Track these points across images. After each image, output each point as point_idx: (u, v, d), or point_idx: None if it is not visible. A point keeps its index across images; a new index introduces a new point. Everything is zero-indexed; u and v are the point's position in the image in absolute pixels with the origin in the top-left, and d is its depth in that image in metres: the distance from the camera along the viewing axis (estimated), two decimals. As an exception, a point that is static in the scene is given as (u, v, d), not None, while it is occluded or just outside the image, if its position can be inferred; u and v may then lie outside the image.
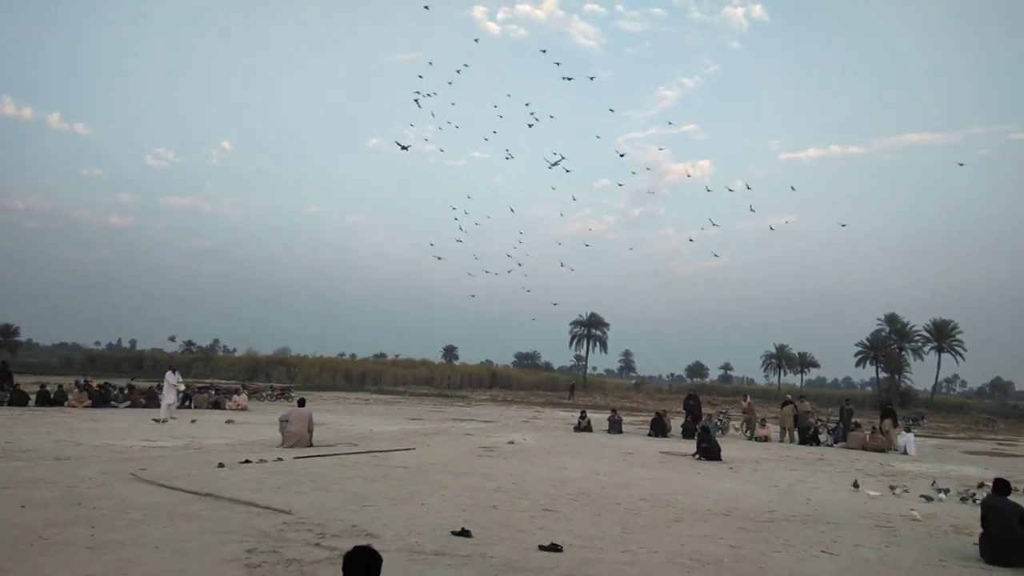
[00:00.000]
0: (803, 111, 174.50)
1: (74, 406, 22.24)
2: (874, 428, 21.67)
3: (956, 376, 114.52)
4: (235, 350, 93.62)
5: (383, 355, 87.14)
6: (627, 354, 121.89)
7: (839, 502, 10.69)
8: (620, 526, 8.07)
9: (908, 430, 21.86)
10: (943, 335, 71.20)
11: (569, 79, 23.21)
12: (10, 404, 21.66)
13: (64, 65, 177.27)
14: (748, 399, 26.87)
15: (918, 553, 7.46)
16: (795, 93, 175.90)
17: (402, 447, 15.12)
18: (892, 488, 12.26)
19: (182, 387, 22.33)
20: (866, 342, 74.81)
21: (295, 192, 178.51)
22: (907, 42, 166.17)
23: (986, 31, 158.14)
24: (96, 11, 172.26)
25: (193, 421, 19.24)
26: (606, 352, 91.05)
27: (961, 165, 41.44)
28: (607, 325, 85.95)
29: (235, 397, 26.81)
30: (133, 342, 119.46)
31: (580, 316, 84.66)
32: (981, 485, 12.74)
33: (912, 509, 10.01)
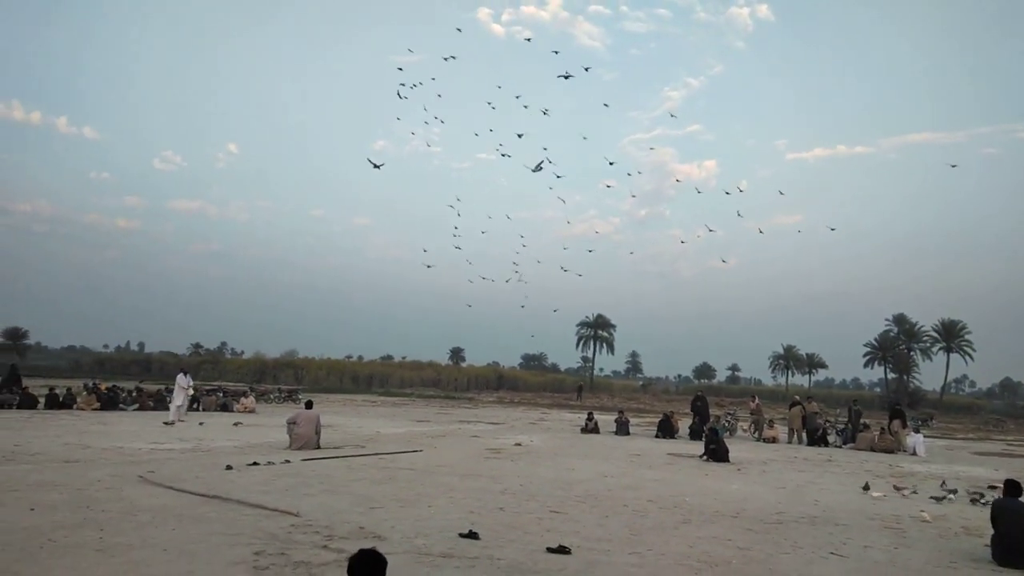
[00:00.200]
0: (809, 111, 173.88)
1: (83, 409, 22.33)
2: (883, 429, 21.57)
3: (965, 377, 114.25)
4: (243, 352, 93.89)
5: (390, 357, 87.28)
6: (634, 355, 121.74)
7: (848, 503, 10.64)
8: (628, 528, 8.05)
9: (917, 431, 21.79)
10: (952, 335, 70.86)
11: (566, 77, 22.92)
12: (19, 407, 21.77)
13: (72, 69, 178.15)
14: (756, 400, 26.81)
15: (928, 555, 7.42)
16: (801, 93, 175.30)
17: (409, 449, 15.13)
18: (898, 489, 12.20)
19: (191, 391, 22.39)
20: (874, 342, 74.54)
21: (301, 195, 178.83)
22: (912, 41, 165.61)
23: (991, 30, 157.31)
24: (103, 15, 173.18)
25: (201, 423, 19.30)
26: (613, 353, 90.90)
27: (953, 167, 41.39)
28: (614, 326, 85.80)
29: (243, 399, 26.89)
30: (141, 345, 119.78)
31: (587, 317, 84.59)
32: (992, 487, 12.66)
33: (922, 511, 9.96)
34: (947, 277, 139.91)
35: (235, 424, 19.93)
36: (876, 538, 8.16)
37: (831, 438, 22.53)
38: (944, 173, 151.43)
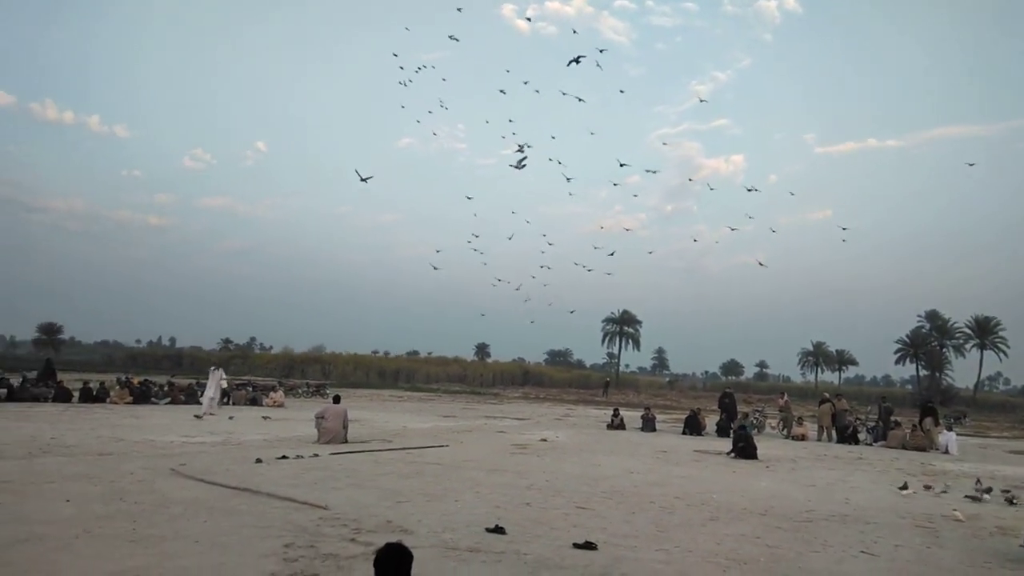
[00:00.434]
0: (838, 104, 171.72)
1: (116, 402, 22.73)
2: (914, 426, 21.24)
3: (999, 374, 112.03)
4: (271, 347, 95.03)
5: (416, 353, 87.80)
6: (660, 352, 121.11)
7: (879, 502, 10.49)
8: (654, 524, 8.02)
9: (950, 429, 21.40)
10: (986, 332, 69.53)
11: (577, 61, 22.24)
12: (54, 400, 22.19)
13: (104, 69, 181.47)
14: (785, 397, 26.51)
15: (961, 555, 7.29)
16: (830, 86, 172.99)
17: (435, 444, 15.20)
18: (927, 488, 12.00)
19: (224, 383, 22.69)
20: (906, 339, 73.43)
21: (328, 192, 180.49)
22: (947, 32, 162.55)
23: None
24: (135, 17, 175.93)
25: (231, 417, 19.55)
26: (639, 350, 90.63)
27: (971, 165, 40.05)
28: (640, 322, 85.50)
29: (272, 394, 27.21)
30: (172, 340, 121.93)
31: (612, 314, 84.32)
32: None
33: (955, 509, 9.78)
34: (981, 273, 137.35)
35: (264, 418, 20.17)
36: (908, 537, 8.04)
37: (861, 436, 22.24)
38: (978, 167, 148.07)
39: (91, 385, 23.91)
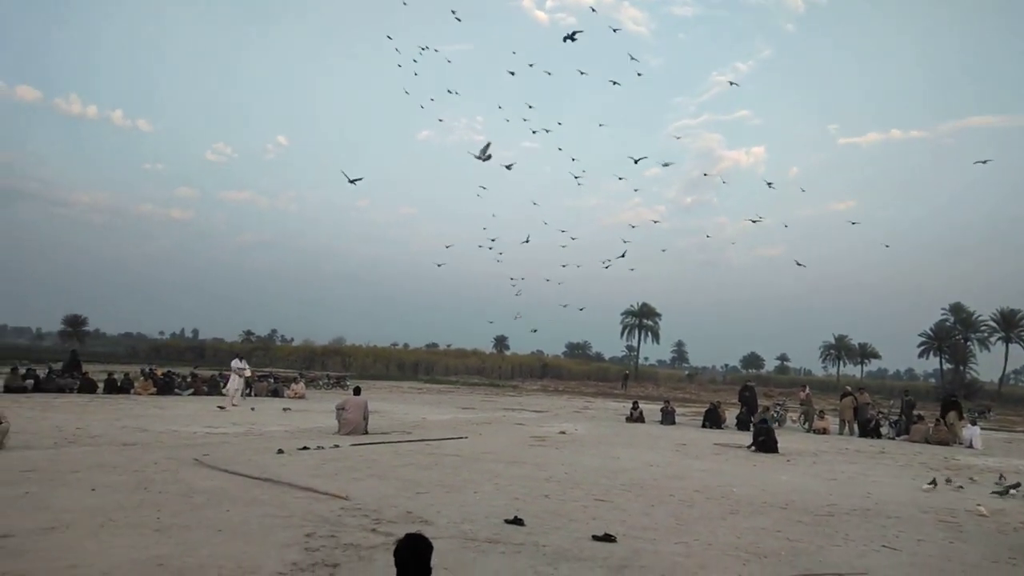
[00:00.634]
0: (862, 94, 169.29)
1: (140, 393, 23.02)
2: (938, 420, 21.00)
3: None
4: (292, 340, 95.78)
5: (435, 345, 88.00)
6: (679, 344, 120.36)
7: (901, 496, 10.39)
8: (674, 517, 8.00)
9: (974, 423, 21.12)
10: (1011, 325, 68.39)
11: (572, 38, 20.63)
12: (79, 391, 22.51)
13: (127, 63, 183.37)
14: (806, 390, 26.30)
15: (985, 550, 7.21)
16: (853, 76, 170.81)
17: (455, 436, 15.26)
18: (948, 481, 11.87)
19: (247, 373, 22.90)
20: (930, 332, 72.51)
21: (348, 185, 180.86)
22: (972, 20, 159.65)
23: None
24: (156, 12, 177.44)
25: (252, 408, 19.73)
26: (658, 343, 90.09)
27: (984, 162, 38.83)
28: (659, 315, 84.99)
29: (293, 385, 27.41)
30: (195, 332, 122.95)
31: (631, 306, 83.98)
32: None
33: (979, 504, 9.66)
34: (1007, 265, 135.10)
35: (284, 409, 20.34)
36: (930, 532, 7.96)
37: (884, 429, 22.03)
38: (1004, 158, 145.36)
39: (115, 376, 24.21)
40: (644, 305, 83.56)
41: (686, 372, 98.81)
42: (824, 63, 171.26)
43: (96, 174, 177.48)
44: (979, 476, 13.06)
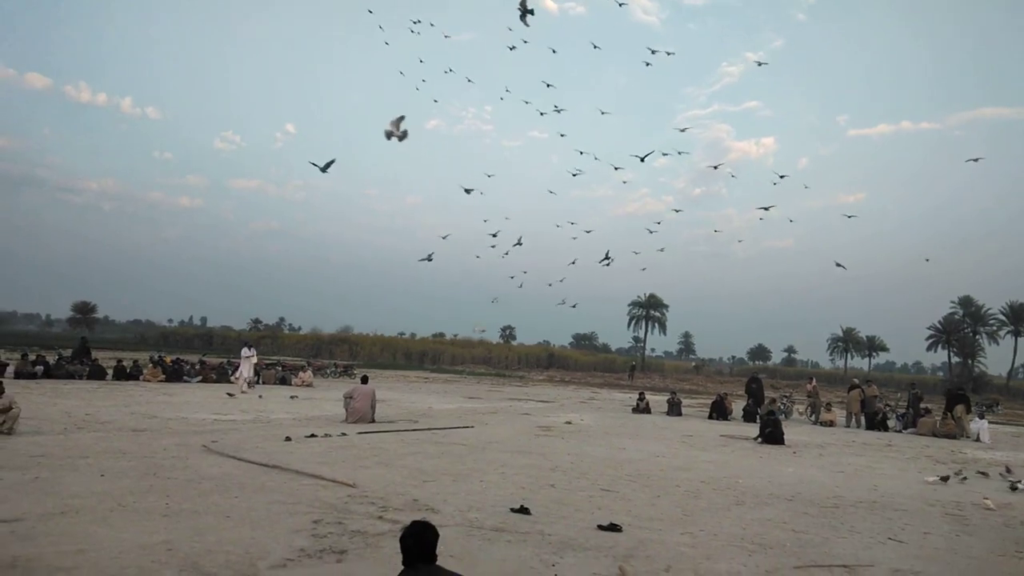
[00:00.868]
0: (872, 86, 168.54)
1: (148, 380, 23.14)
2: (945, 414, 20.92)
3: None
4: (300, 328, 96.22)
5: (442, 335, 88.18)
6: (686, 336, 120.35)
7: (907, 489, 10.37)
8: (680, 508, 8.02)
9: (982, 416, 21.04)
10: (1020, 318, 68.06)
11: (531, 12, 18.23)
12: (89, 378, 22.65)
13: (135, 51, 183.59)
14: (813, 382, 26.25)
15: (991, 543, 7.19)
16: (864, 67, 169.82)
17: (461, 425, 15.30)
18: (957, 474, 11.83)
19: (254, 360, 23.04)
20: (938, 325, 72.24)
21: (356, 174, 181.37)
22: (983, 12, 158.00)
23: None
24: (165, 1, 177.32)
25: (260, 396, 19.83)
26: (665, 334, 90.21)
27: (975, 160, 38.34)
28: (666, 306, 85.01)
29: (301, 374, 27.52)
30: (203, 319, 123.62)
31: (638, 297, 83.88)
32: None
33: (986, 498, 9.63)
34: (1018, 257, 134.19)
35: (292, 397, 20.43)
36: (936, 525, 7.95)
37: (891, 422, 21.97)
38: (1014, 150, 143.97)
39: (124, 363, 24.35)
40: (651, 296, 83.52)
41: (693, 363, 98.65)
42: (834, 54, 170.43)
43: (105, 161, 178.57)
44: (987, 469, 13.01)
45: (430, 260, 15.73)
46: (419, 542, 3.31)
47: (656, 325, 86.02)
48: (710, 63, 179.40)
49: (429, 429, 14.16)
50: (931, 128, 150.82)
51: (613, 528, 6.63)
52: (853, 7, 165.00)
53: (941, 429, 20.03)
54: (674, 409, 22.63)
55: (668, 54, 26.01)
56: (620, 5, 27.51)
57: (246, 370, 20.96)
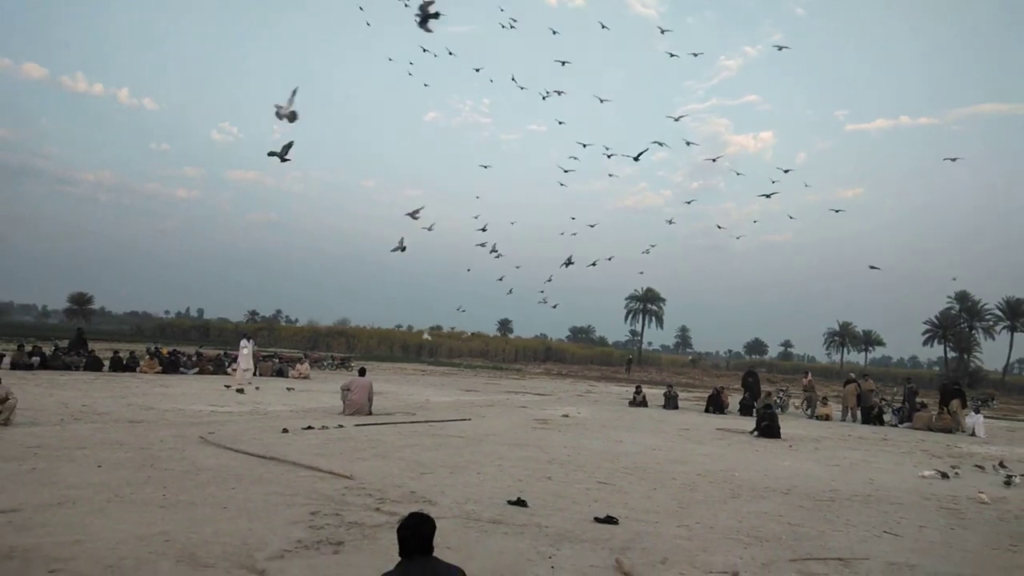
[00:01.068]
0: (871, 81, 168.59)
1: (145, 372, 23.11)
2: (941, 408, 21.00)
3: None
4: (297, 320, 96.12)
5: (439, 327, 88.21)
6: (683, 330, 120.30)
7: (903, 483, 10.42)
8: (676, 501, 8.04)
9: (977, 411, 21.12)
10: (1017, 314, 68.30)
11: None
12: (86, 369, 22.61)
13: (132, 42, 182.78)
14: (808, 376, 26.35)
15: (986, 537, 7.23)
16: (863, 61, 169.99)
17: (458, 417, 15.32)
18: (954, 469, 11.87)
19: (245, 351, 23.06)
20: (935, 320, 72.36)
21: (353, 166, 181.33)
22: (982, 7, 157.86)
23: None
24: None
25: (257, 388, 19.82)
26: (662, 328, 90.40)
27: (953, 160, 38.24)
28: (663, 300, 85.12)
29: (298, 366, 27.49)
30: (200, 311, 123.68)
31: (635, 291, 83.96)
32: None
33: (981, 492, 9.68)
34: (1015, 253, 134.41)
35: (288, 389, 20.43)
36: (932, 518, 7.99)
37: (887, 417, 22.05)
38: (1012, 146, 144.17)
39: (121, 355, 24.32)
40: (648, 290, 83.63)
41: (689, 357, 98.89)
42: (833, 48, 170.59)
43: (102, 152, 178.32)
44: (983, 464, 13.06)
45: (403, 250, 15.39)
46: (416, 534, 3.32)
47: (653, 319, 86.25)
48: (708, 57, 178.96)
49: (426, 421, 14.18)
50: (929, 123, 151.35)
51: (610, 520, 6.65)
52: (852, 2, 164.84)
53: (937, 423, 20.12)
54: (671, 402, 22.68)
55: (671, 55, 25.74)
56: None
57: (244, 362, 20.97)
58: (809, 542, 6.46)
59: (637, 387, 24.68)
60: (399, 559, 3.32)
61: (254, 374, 24.19)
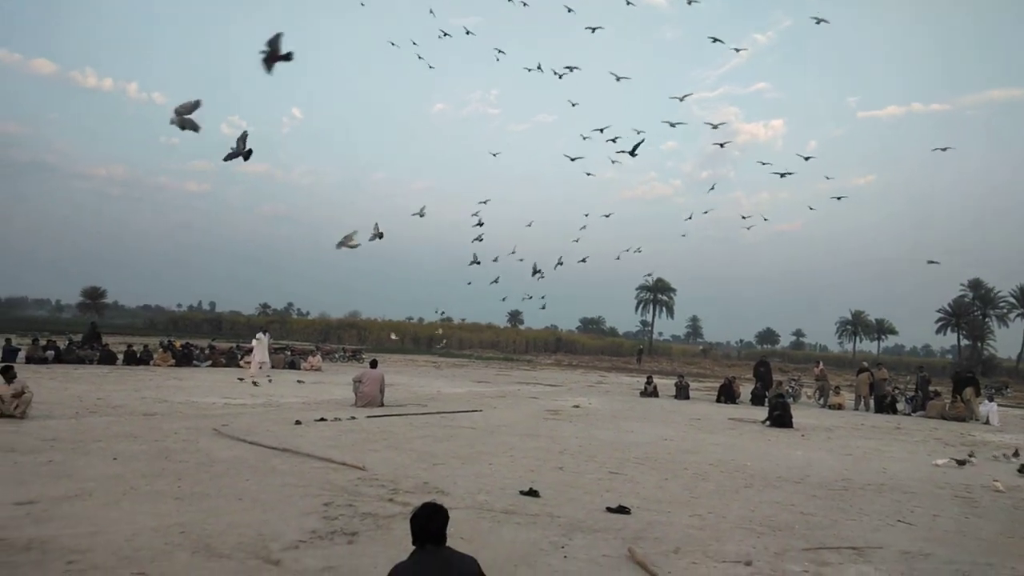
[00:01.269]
0: (883, 67, 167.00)
1: (159, 365, 23.28)
2: (955, 396, 20.88)
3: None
4: (308, 313, 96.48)
5: (449, 319, 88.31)
6: (694, 320, 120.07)
7: (916, 472, 10.36)
8: (688, 490, 8.04)
9: (991, 399, 20.99)
10: (1031, 301, 67.74)
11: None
12: (100, 363, 22.78)
13: (141, 36, 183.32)
14: (820, 365, 26.24)
15: (1001, 525, 7.20)
16: (874, 48, 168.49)
17: (469, 408, 15.35)
18: (971, 456, 11.79)
19: (252, 344, 23.20)
20: (948, 308, 71.90)
21: (363, 158, 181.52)
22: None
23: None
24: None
25: (270, 380, 19.91)
26: (672, 318, 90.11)
27: (944, 150, 37.18)
28: (674, 290, 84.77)
29: (310, 358, 27.60)
30: (212, 304, 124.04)
31: (646, 281, 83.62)
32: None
33: (995, 480, 9.62)
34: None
35: (298, 381, 20.50)
36: (946, 507, 7.95)
37: (900, 405, 21.94)
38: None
39: (135, 348, 24.51)
40: (659, 280, 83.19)
41: (700, 347, 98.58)
42: (844, 35, 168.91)
43: (113, 147, 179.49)
44: (996, 452, 12.99)
45: (381, 237, 15.27)
46: (429, 523, 3.33)
47: (664, 309, 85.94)
48: (718, 44, 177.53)
49: (438, 413, 14.22)
50: (942, 109, 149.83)
51: (622, 510, 6.66)
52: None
53: (950, 412, 20.00)
54: (682, 393, 22.65)
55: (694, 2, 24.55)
56: None
57: (260, 354, 21.10)
58: (822, 531, 6.45)
59: (648, 377, 24.64)
60: (413, 549, 3.34)
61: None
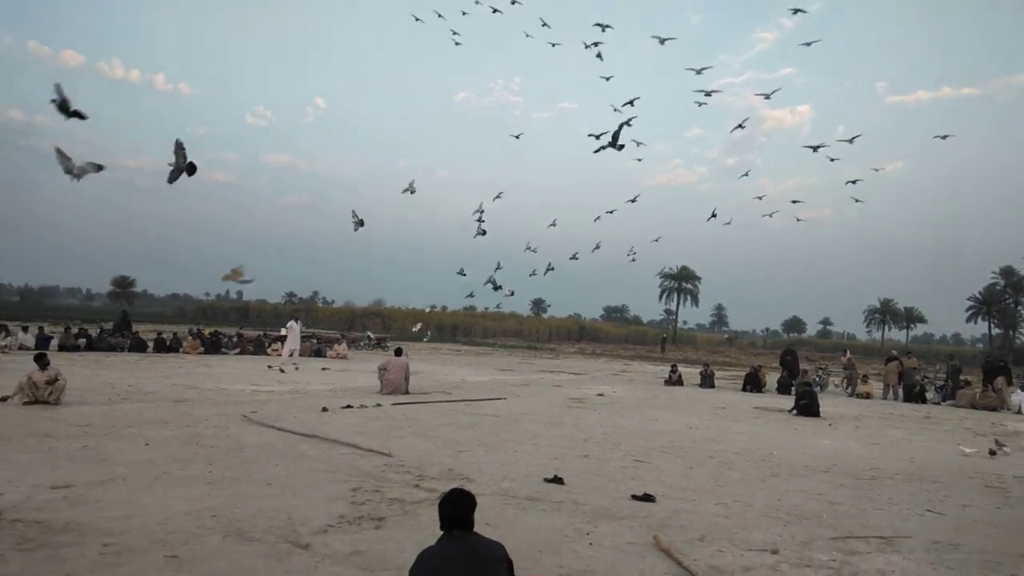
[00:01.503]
0: (912, 50, 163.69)
1: (188, 352, 23.64)
2: (985, 385, 20.56)
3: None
4: (333, 301, 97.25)
5: (473, 308, 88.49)
6: (719, 308, 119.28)
7: (947, 461, 10.23)
8: (713, 479, 8.01)
9: (1023, 388, 20.63)
10: (1065, 289, 66.41)
11: None
12: (130, 350, 23.17)
13: (167, 28, 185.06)
14: (847, 354, 25.96)
15: (1033, 516, 7.09)
16: (903, 31, 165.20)
17: (493, 396, 15.41)
18: (999, 445, 11.58)
19: (283, 332, 23.37)
20: (978, 296, 70.74)
21: (386, 147, 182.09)
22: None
23: None
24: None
25: (297, 368, 20.13)
26: (697, 306, 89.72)
27: (944, 137, 36.02)
28: (698, 278, 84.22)
29: (336, 346, 27.88)
30: (239, 293, 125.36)
31: (670, 269, 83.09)
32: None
33: (1027, 471, 9.48)
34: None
35: (323, 369, 20.70)
36: (976, 497, 7.84)
37: (929, 394, 21.65)
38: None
39: (164, 336, 24.87)
40: (683, 268, 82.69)
41: (725, 336, 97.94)
42: (872, 18, 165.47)
43: (141, 138, 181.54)
44: (1028, 442, 12.78)
45: (362, 224, 15.20)
46: (457, 509, 3.36)
47: (688, 297, 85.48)
48: (743, 29, 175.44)
49: (462, 401, 14.29)
50: (973, 94, 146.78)
51: (647, 498, 6.66)
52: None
53: (981, 401, 19.70)
54: (707, 381, 22.54)
55: None
56: None
57: (292, 342, 21.32)
58: (850, 520, 6.40)
59: (673, 366, 24.54)
60: (440, 534, 3.38)
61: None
